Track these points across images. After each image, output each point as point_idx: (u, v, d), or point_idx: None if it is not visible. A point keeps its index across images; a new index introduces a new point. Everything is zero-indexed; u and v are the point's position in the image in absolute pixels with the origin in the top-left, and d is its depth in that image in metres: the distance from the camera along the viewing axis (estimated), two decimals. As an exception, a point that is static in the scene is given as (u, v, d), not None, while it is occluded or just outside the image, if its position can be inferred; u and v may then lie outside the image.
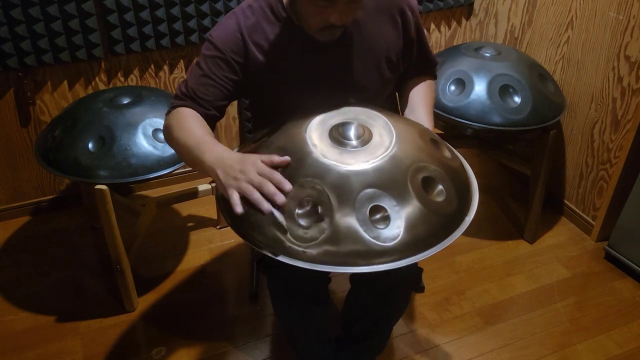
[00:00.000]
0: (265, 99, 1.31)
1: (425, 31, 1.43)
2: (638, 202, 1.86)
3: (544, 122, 1.86)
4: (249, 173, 0.98)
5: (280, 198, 0.95)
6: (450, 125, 1.98)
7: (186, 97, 1.21)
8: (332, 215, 0.97)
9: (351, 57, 1.27)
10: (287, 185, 0.97)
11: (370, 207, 0.98)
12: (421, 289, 1.90)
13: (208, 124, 1.20)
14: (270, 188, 0.96)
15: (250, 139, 1.22)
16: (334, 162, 1.02)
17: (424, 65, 1.40)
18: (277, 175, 0.97)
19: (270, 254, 0.98)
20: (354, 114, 1.13)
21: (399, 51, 1.32)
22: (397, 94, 1.46)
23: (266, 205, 0.94)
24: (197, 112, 1.20)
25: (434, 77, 1.45)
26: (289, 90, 1.27)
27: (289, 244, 0.97)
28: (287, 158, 1.01)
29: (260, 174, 0.97)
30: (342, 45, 1.25)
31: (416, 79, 1.40)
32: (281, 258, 0.97)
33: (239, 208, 0.95)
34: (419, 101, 1.36)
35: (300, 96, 1.27)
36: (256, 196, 0.95)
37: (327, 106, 1.15)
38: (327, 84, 1.27)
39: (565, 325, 1.78)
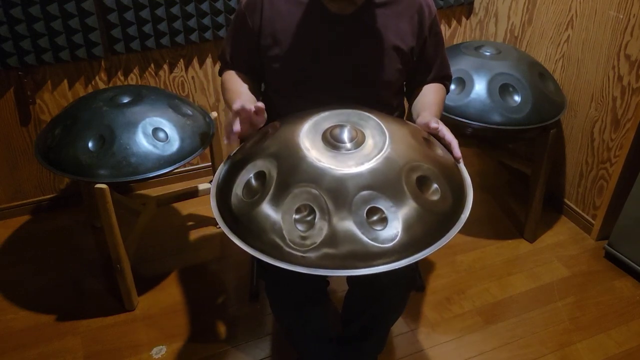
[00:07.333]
0: (270, 66, 1.36)
1: (442, 40, 1.43)
2: (638, 201, 1.86)
3: (544, 121, 1.86)
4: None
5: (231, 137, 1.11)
6: (450, 124, 1.95)
7: (225, 63, 1.42)
8: (329, 219, 0.97)
9: (360, 36, 1.29)
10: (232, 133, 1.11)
11: (367, 209, 0.98)
12: (421, 288, 1.90)
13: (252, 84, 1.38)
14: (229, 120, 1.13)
15: (243, 145, 1.21)
16: (329, 166, 1.01)
17: (439, 74, 1.44)
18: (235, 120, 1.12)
19: (268, 261, 0.98)
20: (346, 117, 1.13)
21: (412, 45, 1.33)
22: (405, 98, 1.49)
23: (225, 140, 1.13)
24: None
25: (447, 88, 1.49)
26: (292, 57, 1.30)
27: (287, 249, 0.97)
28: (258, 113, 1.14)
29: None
30: (353, 22, 1.27)
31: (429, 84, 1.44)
32: (280, 264, 0.97)
33: (225, 140, 1.13)
34: (429, 92, 1.41)
35: (302, 67, 1.30)
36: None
37: (319, 109, 1.15)
38: (330, 58, 1.28)
39: (565, 324, 1.78)
